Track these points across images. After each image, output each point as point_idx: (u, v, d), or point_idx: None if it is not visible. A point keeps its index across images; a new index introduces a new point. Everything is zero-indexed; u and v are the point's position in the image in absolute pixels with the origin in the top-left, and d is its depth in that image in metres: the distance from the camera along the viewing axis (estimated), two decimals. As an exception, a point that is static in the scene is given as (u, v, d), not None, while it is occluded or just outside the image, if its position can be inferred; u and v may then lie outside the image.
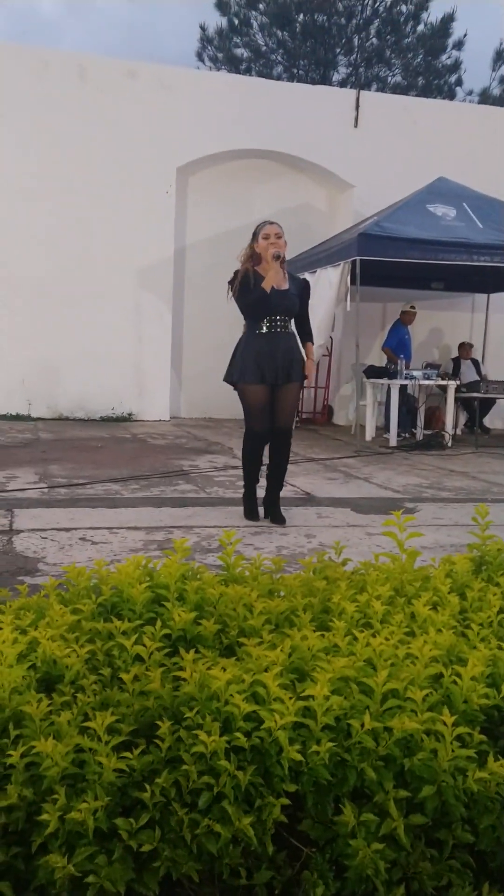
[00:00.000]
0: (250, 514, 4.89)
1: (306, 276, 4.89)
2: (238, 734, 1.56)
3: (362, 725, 1.58)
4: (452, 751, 1.57)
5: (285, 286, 4.66)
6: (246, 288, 4.57)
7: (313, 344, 4.94)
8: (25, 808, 1.46)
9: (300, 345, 4.80)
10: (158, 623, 1.94)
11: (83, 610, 2.02)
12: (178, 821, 1.48)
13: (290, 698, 1.59)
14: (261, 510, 4.91)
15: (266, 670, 1.68)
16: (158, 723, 1.58)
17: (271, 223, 4.68)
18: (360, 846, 1.51)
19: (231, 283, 4.68)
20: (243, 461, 4.97)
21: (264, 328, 4.63)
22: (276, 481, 4.86)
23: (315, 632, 1.91)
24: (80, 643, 1.82)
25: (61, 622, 1.90)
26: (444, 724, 1.58)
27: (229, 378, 4.84)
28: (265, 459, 4.93)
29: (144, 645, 1.81)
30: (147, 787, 1.49)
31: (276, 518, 4.76)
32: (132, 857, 1.45)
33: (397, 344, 10.43)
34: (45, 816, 1.42)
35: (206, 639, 1.95)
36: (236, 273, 4.65)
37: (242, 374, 4.69)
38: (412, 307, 10.61)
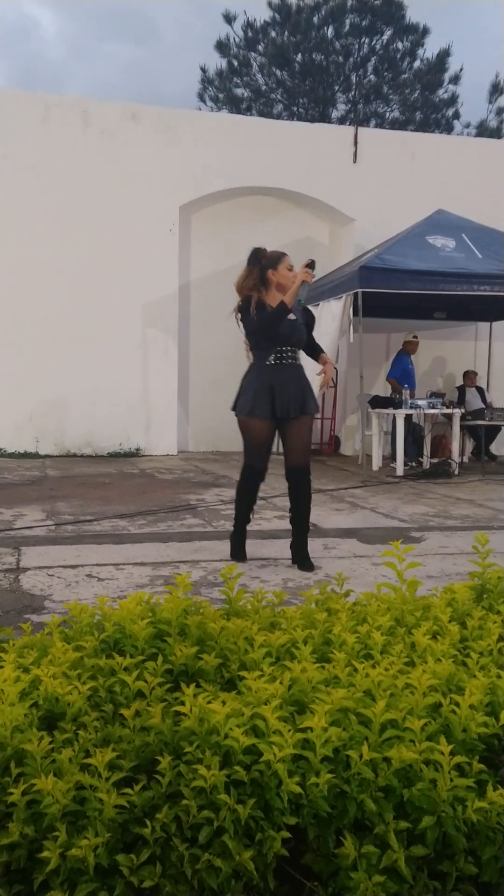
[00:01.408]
0: (237, 553, 4.62)
1: (309, 308, 4.71)
2: (237, 768, 1.57)
3: (361, 756, 1.59)
4: (451, 780, 1.58)
5: (294, 316, 4.45)
6: (262, 308, 4.37)
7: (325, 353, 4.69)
8: (27, 846, 1.48)
9: (308, 380, 4.61)
10: (160, 658, 1.96)
11: (86, 647, 2.04)
12: (178, 856, 1.48)
13: (289, 731, 1.61)
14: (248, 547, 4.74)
15: (266, 703, 1.70)
16: (159, 758, 1.59)
17: (286, 254, 4.54)
18: (362, 879, 1.51)
19: (240, 308, 4.46)
20: (237, 497, 4.69)
21: (273, 359, 4.43)
22: (300, 526, 4.53)
23: (316, 664, 1.93)
24: (83, 680, 1.84)
25: (64, 659, 1.92)
26: (442, 753, 1.59)
27: (235, 407, 4.61)
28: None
29: (146, 681, 1.83)
30: (148, 822, 1.50)
31: (305, 565, 4.44)
32: (134, 894, 1.46)
33: (401, 373, 10.49)
34: (46, 853, 1.43)
35: (207, 673, 1.97)
36: (246, 298, 4.44)
37: (252, 408, 4.43)
38: (415, 336, 10.68)
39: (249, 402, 4.46)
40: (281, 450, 4.67)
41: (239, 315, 4.50)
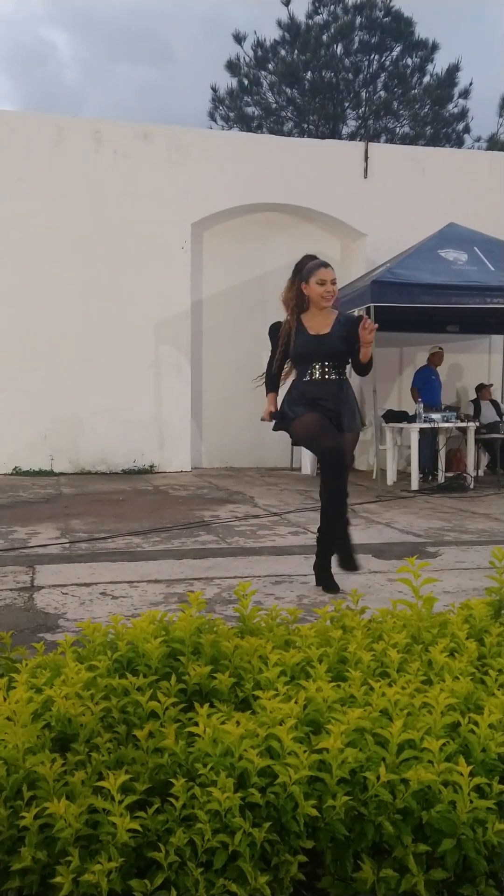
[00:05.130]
0: (347, 562, 4.24)
1: (338, 311, 4.39)
2: (253, 790, 1.54)
3: (378, 778, 1.56)
4: (471, 802, 1.54)
5: (326, 330, 4.25)
6: (274, 346, 4.36)
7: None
8: (39, 871, 1.46)
9: (354, 394, 4.44)
10: (173, 678, 1.94)
11: (99, 666, 2.02)
12: (193, 881, 1.46)
13: (305, 752, 1.58)
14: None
15: (281, 724, 1.67)
16: (173, 780, 1.57)
17: (326, 266, 4.25)
18: (381, 904, 1.48)
19: (270, 334, 4.41)
20: (325, 492, 4.26)
21: (308, 375, 4.26)
22: (326, 544, 4.34)
23: (332, 682, 1.90)
24: (96, 700, 1.82)
25: (76, 680, 1.90)
26: (461, 774, 1.55)
27: (279, 424, 4.42)
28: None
29: (159, 701, 1.81)
30: (161, 846, 1.48)
31: (330, 586, 4.26)
32: (148, 920, 1.43)
33: (423, 385, 10.57)
34: (59, 879, 1.41)
35: (221, 692, 1.94)
36: (272, 326, 4.40)
37: (291, 411, 4.28)
38: (439, 348, 10.71)
39: (287, 409, 4.33)
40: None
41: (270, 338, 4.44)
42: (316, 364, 4.26)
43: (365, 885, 1.51)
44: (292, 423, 4.33)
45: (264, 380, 4.52)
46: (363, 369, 4.34)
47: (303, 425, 4.29)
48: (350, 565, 4.27)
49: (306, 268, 4.31)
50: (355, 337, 4.19)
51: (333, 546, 4.32)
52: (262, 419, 4.48)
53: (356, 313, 8.77)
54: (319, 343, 4.26)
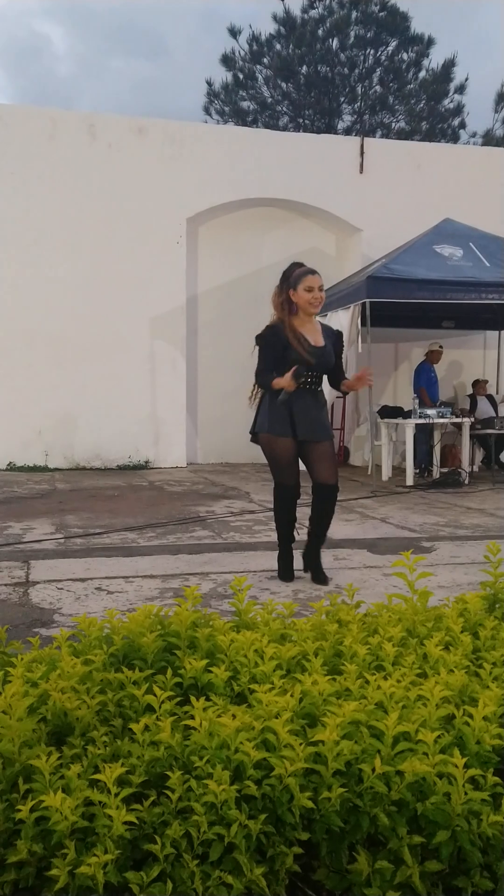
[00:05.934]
0: (285, 574, 4.45)
1: (317, 319, 4.38)
2: (248, 782, 1.55)
3: (373, 770, 1.57)
4: (465, 793, 1.55)
5: (322, 342, 4.32)
6: (270, 350, 4.25)
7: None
8: (35, 864, 1.46)
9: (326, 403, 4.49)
10: (169, 672, 1.94)
11: (95, 661, 2.02)
12: (189, 873, 1.46)
13: (301, 744, 1.59)
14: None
15: (277, 717, 1.68)
16: (168, 773, 1.58)
17: (313, 273, 4.26)
18: (376, 895, 1.49)
19: (258, 338, 4.34)
20: (275, 518, 4.49)
21: (299, 385, 4.21)
22: (316, 537, 4.43)
23: (327, 675, 1.91)
24: (92, 694, 1.83)
25: (72, 673, 1.91)
26: (456, 766, 1.56)
27: (254, 429, 4.48)
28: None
29: (155, 694, 1.82)
30: (157, 839, 1.48)
31: (318, 577, 4.36)
32: (144, 912, 1.44)
33: (426, 383, 10.56)
34: (54, 871, 1.41)
35: (217, 686, 1.95)
36: (268, 328, 4.32)
37: (271, 425, 4.29)
38: (440, 347, 10.73)
39: (267, 420, 4.32)
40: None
41: (256, 343, 4.36)
42: (307, 373, 4.25)
43: (360, 877, 1.52)
44: (264, 438, 4.37)
45: (259, 386, 4.39)
46: (338, 388, 4.55)
47: (271, 448, 4.35)
48: (286, 576, 4.48)
49: (294, 275, 4.32)
50: (338, 350, 4.45)
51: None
52: (286, 389, 4.14)
53: (351, 309, 8.79)
54: (320, 355, 4.29)
